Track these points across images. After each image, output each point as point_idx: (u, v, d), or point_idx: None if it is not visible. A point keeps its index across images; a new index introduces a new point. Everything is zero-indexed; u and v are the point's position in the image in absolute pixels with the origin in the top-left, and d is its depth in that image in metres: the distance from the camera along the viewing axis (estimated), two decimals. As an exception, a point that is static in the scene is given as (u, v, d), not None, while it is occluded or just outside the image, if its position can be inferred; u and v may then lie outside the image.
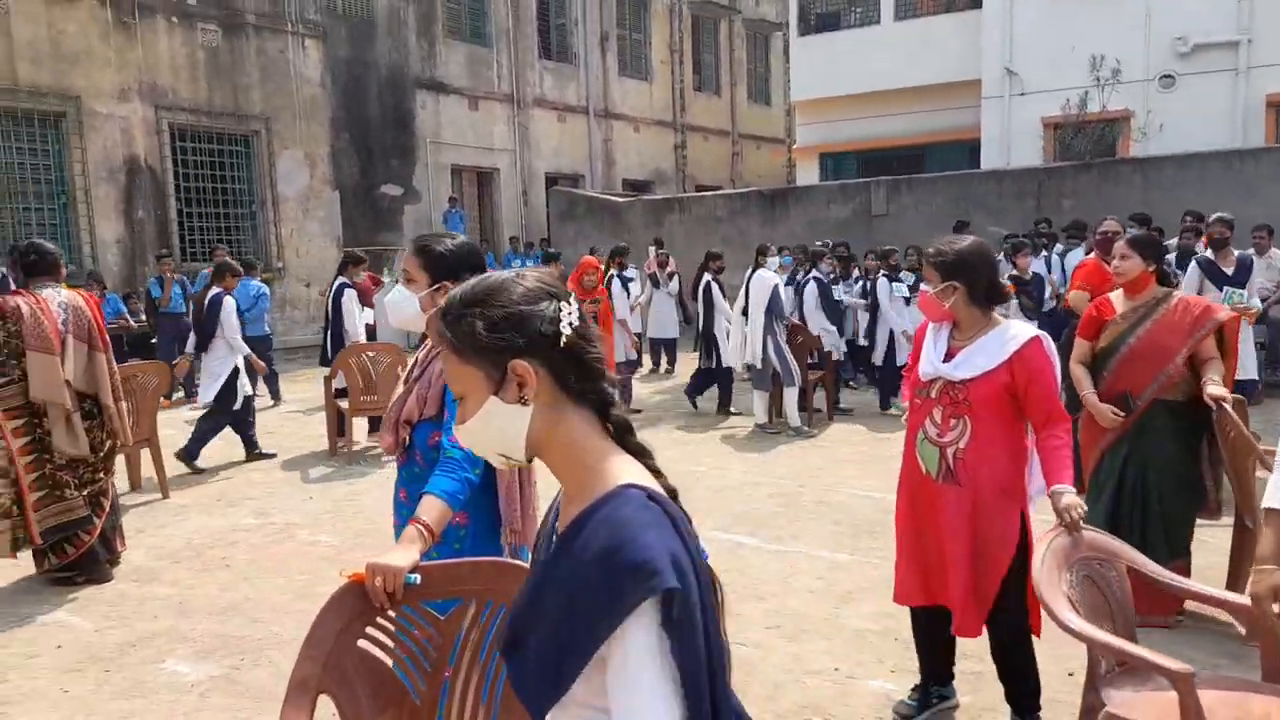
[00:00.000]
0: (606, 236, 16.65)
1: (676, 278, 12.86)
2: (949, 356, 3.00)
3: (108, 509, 4.87)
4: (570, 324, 1.23)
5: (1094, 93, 12.82)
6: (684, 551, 1.13)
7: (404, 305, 2.35)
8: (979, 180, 13.08)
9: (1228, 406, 3.52)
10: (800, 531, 5.38)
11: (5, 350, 4.51)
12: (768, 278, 8.13)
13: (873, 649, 3.76)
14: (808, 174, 19.26)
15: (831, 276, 9.80)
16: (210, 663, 3.85)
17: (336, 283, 8.07)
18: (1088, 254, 6.49)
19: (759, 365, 8.13)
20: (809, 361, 8.75)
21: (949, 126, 16.91)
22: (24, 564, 4.87)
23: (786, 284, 8.99)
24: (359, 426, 8.03)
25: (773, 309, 8.04)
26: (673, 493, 1.25)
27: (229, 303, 7.33)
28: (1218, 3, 13.75)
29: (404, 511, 2.36)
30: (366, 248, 16.22)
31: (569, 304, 1.24)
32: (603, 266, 10.08)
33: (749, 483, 6.57)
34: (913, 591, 3.12)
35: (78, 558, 4.76)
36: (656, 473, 1.26)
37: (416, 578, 1.85)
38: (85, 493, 4.75)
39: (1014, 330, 2.93)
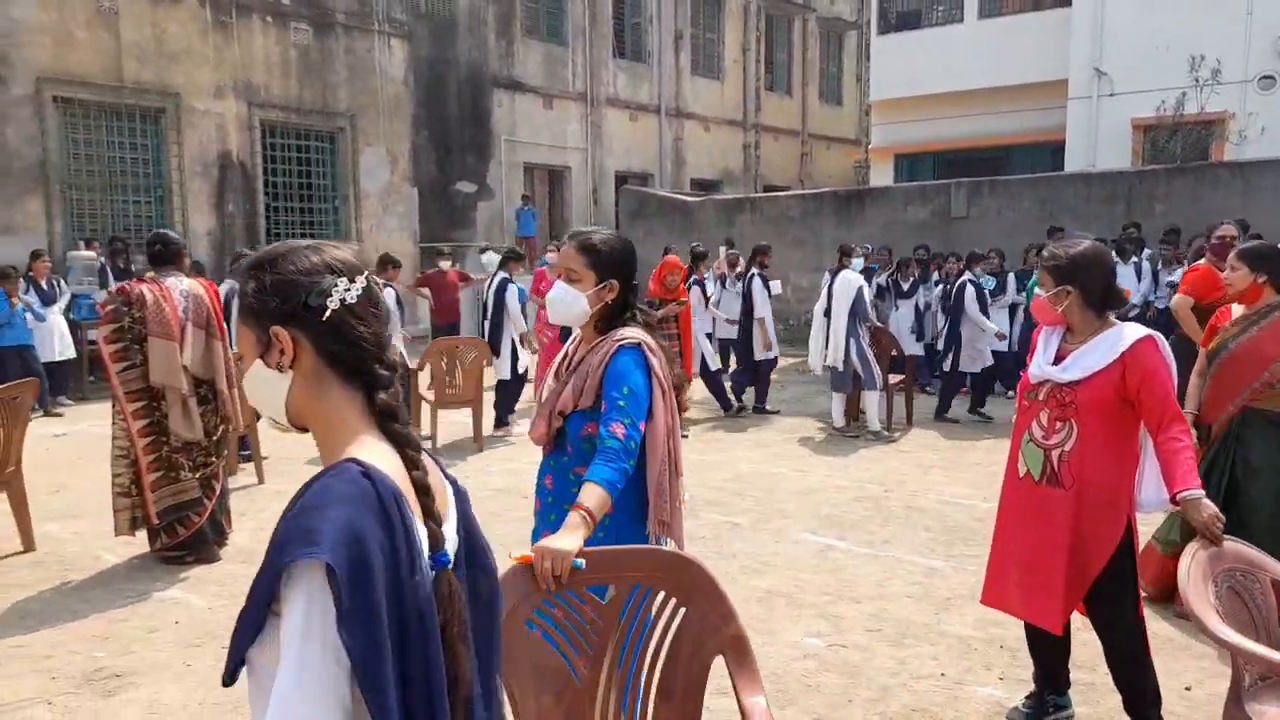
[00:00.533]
0: (677, 236, 16.65)
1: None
2: (1059, 360, 2.96)
3: (218, 491, 5.06)
4: (341, 300, 1.20)
5: (1191, 94, 12.37)
6: (376, 539, 1.07)
7: (570, 302, 2.37)
8: (1065, 183, 12.72)
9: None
10: (891, 536, 5.33)
11: (129, 335, 4.72)
12: (852, 279, 8.06)
13: (979, 656, 3.71)
14: (882, 175, 19.00)
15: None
16: (322, 642, 3.97)
17: (498, 278, 8.35)
18: (1197, 259, 6.29)
19: (840, 367, 8.07)
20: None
21: (1031, 128, 16.52)
22: (137, 543, 5.08)
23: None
24: (439, 417, 8.19)
25: (856, 310, 7.97)
26: (423, 488, 1.18)
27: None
28: (1324, 0, 13.20)
29: (547, 498, 2.41)
30: (440, 244, 16.57)
31: (352, 282, 1.21)
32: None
33: (831, 486, 6.52)
34: (998, 595, 3.11)
35: (188, 538, 4.95)
36: (413, 464, 1.20)
37: (583, 562, 1.89)
38: (198, 475, 4.94)
39: (1127, 331, 2.87)
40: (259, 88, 13.76)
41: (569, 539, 1.92)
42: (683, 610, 1.95)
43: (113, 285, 8.81)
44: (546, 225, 19.93)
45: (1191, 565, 2.37)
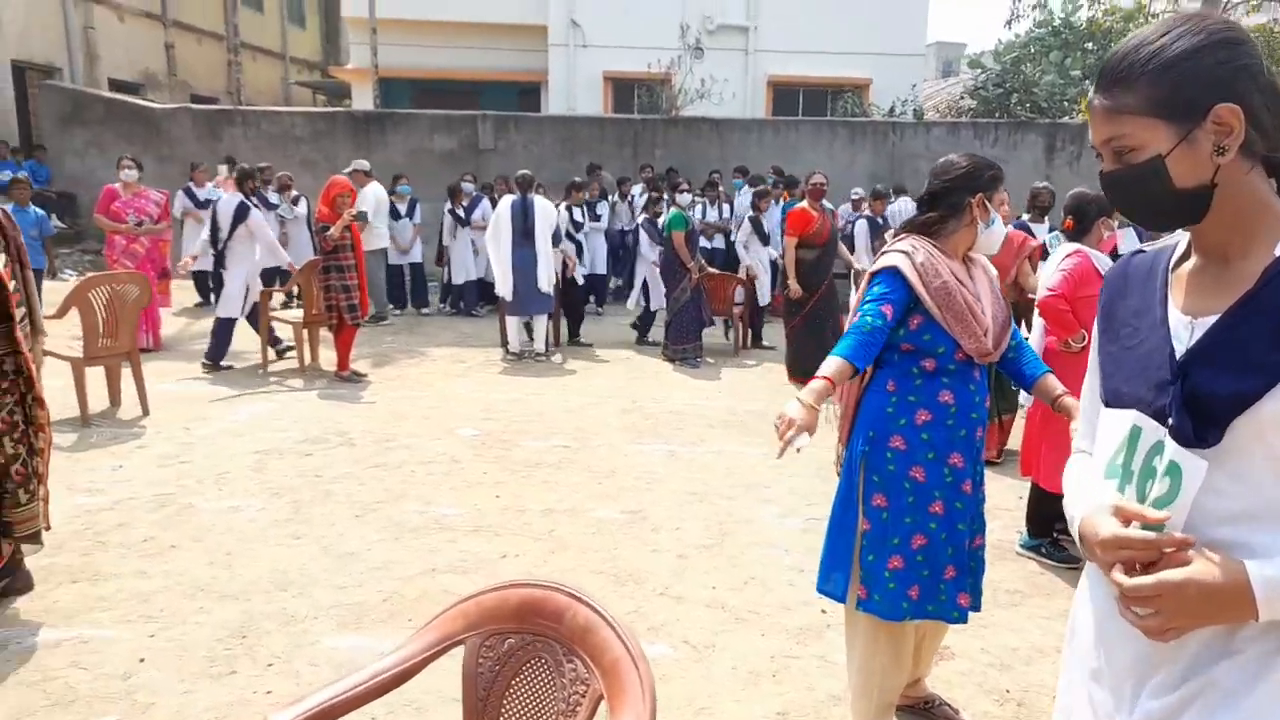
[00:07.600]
0: (139, 151, 14.29)
1: (304, 201, 12.02)
2: None
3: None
4: None
5: (681, 56, 14.95)
6: None
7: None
8: (581, 124, 14.34)
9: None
10: (699, 436, 6.26)
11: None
12: (549, 206, 8.55)
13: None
14: (361, 98, 18.61)
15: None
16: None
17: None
18: (800, 200, 8.26)
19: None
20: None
21: (506, 67, 17.89)
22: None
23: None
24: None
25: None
26: None
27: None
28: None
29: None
30: None
31: None
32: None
33: (580, 404, 7.12)
34: None
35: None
36: None
37: None
38: None
39: None
40: None
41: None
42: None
43: None
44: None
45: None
